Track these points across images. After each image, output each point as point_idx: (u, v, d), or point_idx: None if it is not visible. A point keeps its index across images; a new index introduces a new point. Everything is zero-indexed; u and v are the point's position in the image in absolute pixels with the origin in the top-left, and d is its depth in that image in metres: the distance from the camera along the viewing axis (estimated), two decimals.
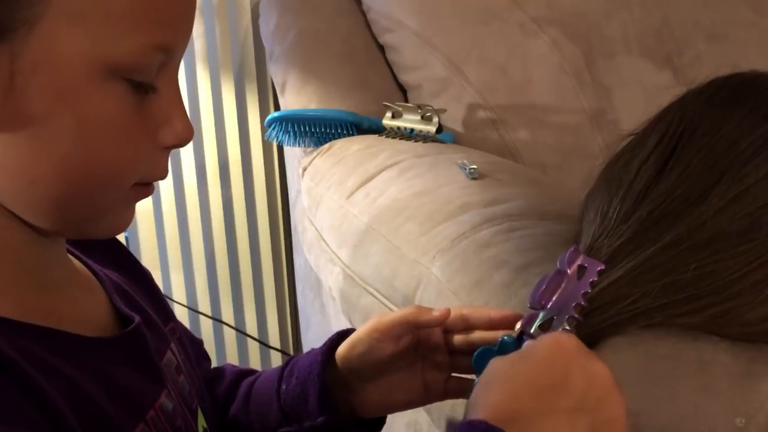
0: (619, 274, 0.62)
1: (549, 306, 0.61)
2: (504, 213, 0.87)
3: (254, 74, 1.64)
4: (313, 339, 1.53)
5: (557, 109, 1.35)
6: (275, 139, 1.34)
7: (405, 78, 1.39)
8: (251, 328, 1.76)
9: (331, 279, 1.09)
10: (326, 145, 1.27)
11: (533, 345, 0.55)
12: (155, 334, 0.64)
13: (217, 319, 1.71)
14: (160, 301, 0.70)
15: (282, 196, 1.73)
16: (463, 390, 0.69)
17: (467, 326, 0.67)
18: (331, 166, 1.20)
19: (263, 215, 1.73)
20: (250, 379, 0.78)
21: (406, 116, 1.28)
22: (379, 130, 1.29)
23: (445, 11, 1.37)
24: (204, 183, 1.66)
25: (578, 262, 0.62)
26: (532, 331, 0.60)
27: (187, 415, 0.63)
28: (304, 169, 1.27)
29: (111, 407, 0.53)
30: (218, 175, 1.66)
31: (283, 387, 0.72)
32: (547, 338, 0.55)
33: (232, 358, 1.75)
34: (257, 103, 1.66)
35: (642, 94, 1.38)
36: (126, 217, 0.57)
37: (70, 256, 0.61)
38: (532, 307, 0.61)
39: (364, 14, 1.43)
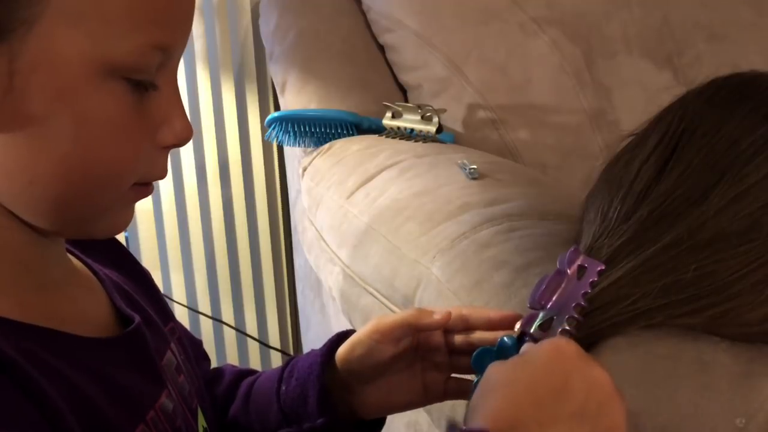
0: (620, 274, 0.62)
1: (549, 306, 0.61)
2: (504, 213, 0.87)
3: (254, 74, 1.64)
4: (313, 339, 1.53)
5: (557, 109, 1.35)
6: (275, 139, 1.34)
7: (405, 78, 1.39)
8: (251, 328, 1.76)
9: (331, 279, 1.09)
10: (326, 145, 1.27)
11: (533, 351, 0.55)
12: (155, 334, 0.64)
13: (217, 319, 1.71)
14: (159, 302, 0.70)
15: (282, 196, 1.73)
16: (463, 390, 0.69)
17: (467, 327, 0.67)
18: (331, 166, 1.20)
19: (263, 215, 1.73)
20: (249, 379, 0.78)
21: (406, 116, 1.28)
22: (379, 130, 1.29)
23: (445, 11, 1.37)
24: (204, 183, 1.66)
25: (578, 262, 0.62)
26: (532, 331, 0.60)
27: (188, 415, 0.63)
28: (304, 169, 1.27)
29: (111, 408, 0.53)
30: (218, 175, 1.66)
31: (283, 388, 0.72)
32: (546, 344, 0.55)
33: (232, 358, 1.75)
34: (257, 103, 1.66)
35: (642, 94, 1.38)
36: (125, 217, 0.57)
37: (70, 256, 0.61)
38: (531, 307, 0.61)
39: (364, 14, 1.43)
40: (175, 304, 1.65)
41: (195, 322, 1.70)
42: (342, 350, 0.70)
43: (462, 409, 0.73)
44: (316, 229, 1.17)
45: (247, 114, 1.66)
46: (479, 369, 0.60)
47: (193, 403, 0.65)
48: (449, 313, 0.66)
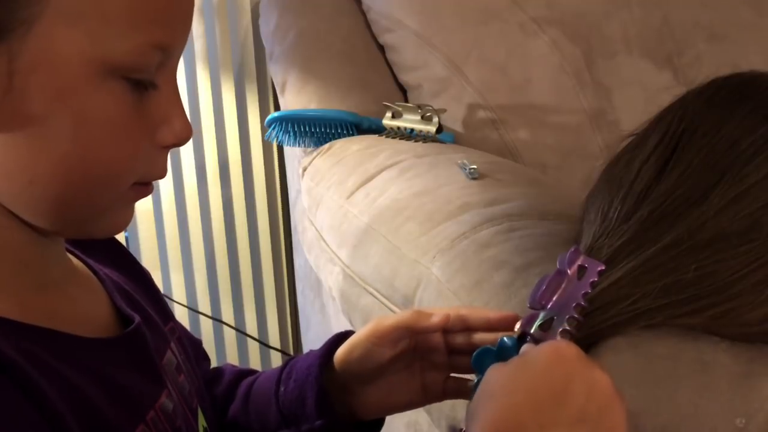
0: (620, 274, 0.62)
1: (549, 306, 0.61)
2: (504, 213, 0.87)
3: (254, 74, 1.64)
4: (313, 339, 1.53)
5: (557, 109, 1.35)
6: (275, 139, 1.34)
7: (405, 78, 1.39)
8: (251, 328, 1.76)
9: (331, 279, 1.09)
10: (326, 145, 1.27)
11: (533, 353, 0.55)
12: (155, 334, 0.64)
13: (217, 319, 1.71)
14: (159, 301, 0.70)
15: (282, 196, 1.73)
16: (462, 390, 0.68)
17: (466, 327, 0.67)
18: (331, 166, 1.20)
19: (263, 215, 1.73)
20: (249, 379, 0.78)
21: (406, 116, 1.28)
22: (379, 130, 1.29)
23: (445, 11, 1.37)
24: (204, 183, 1.66)
25: (579, 262, 0.62)
26: (532, 331, 0.60)
27: (188, 415, 0.63)
28: (304, 169, 1.27)
29: (111, 408, 0.53)
30: (218, 175, 1.66)
31: (282, 389, 0.72)
32: (546, 347, 0.55)
33: (232, 358, 1.75)
34: (257, 103, 1.66)
35: (642, 94, 1.38)
36: (125, 217, 0.57)
37: (71, 256, 0.61)
38: (531, 307, 0.61)
39: (364, 14, 1.43)
40: (175, 304, 1.65)
41: (195, 322, 1.70)
42: (340, 352, 0.70)
43: (462, 409, 0.73)
44: (316, 229, 1.17)
45: (247, 114, 1.66)
46: (480, 369, 0.60)
47: (193, 403, 0.65)
48: (447, 316, 0.66)
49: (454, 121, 1.32)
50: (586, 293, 0.61)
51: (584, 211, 0.70)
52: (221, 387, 0.78)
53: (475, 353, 0.61)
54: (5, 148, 0.50)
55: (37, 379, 0.48)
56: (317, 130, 1.30)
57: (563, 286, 0.61)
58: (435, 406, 0.81)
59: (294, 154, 1.44)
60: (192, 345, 0.75)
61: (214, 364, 0.83)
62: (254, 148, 1.68)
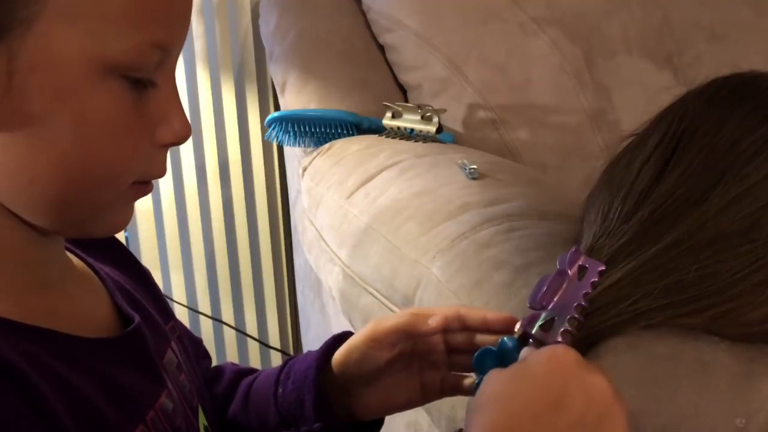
0: (620, 274, 0.62)
1: (550, 306, 0.61)
2: (504, 213, 0.87)
3: (254, 74, 1.64)
4: (313, 339, 1.53)
5: (557, 109, 1.35)
6: (275, 139, 1.34)
7: (405, 78, 1.39)
8: (251, 328, 1.76)
9: (331, 279, 1.09)
10: (326, 145, 1.27)
11: (531, 360, 0.54)
12: (156, 333, 0.64)
13: (217, 319, 1.71)
14: (160, 300, 0.70)
15: (282, 196, 1.73)
16: (460, 387, 0.68)
17: (464, 327, 0.67)
18: (331, 166, 1.20)
19: (263, 215, 1.73)
20: (249, 378, 0.78)
21: (406, 116, 1.28)
22: (379, 130, 1.29)
23: (445, 11, 1.37)
24: (204, 183, 1.66)
25: (579, 262, 0.62)
26: (533, 331, 0.60)
27: (189, 414, 0.63)
28: (304, 169, 1.27)
29: (110, 409, 0.53)
30: (218, 175, 1.66)
31: (280, 390, 0.72)
32: (544, 353, 0.54)
33: (232, 358, 1.75)
34: (257, 103, 1.66)
35: (642, 94, 1.38)
36: (125, 216, 0.57)
37: (71, 255, 0.61)
38: (532, 308, 0.61)
39: (364, 14, 1.43)
40: (175, 304, 1.65)
41: (195, 322, 1.70)
42: (338, 355, 0.70)
43: (462, 409, 0.73)
44: (316, 229, 1.17)
45: (247, 114, 1.66)
46: (480, 370, 0.60)
47: (193, 402, 0.65)
48: (445, 318, 0.66)
49: (454, 121, 1.32)
50: (586, 293, 0.61)
51: (584, 211, 0.70)
52: (221, 386, 0.78)
53: (476, 354, 0.61)
54: (5, 147, 0.50)
55: (36, 381, 0.48)
56: (317, 130, 1.30)
57: (564, 286, 0.61)
58: (435, 406, 0.81)
59: (294, 154, 1.44)
60: (192, 343, 0.75)
61: (214, 363, 0.83)
62: (254, 148, 1.68)
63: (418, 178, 1.04)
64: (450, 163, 1.07)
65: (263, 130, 1.48)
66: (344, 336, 0.71)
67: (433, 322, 0.66)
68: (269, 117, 1.34)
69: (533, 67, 1.36)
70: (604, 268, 0.62)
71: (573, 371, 0.52)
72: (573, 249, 0.63)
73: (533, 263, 0.76)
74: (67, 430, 0.49)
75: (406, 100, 1.38)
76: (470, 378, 0.67)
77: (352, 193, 1.09)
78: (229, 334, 1.74)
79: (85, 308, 0.58)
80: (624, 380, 0.59)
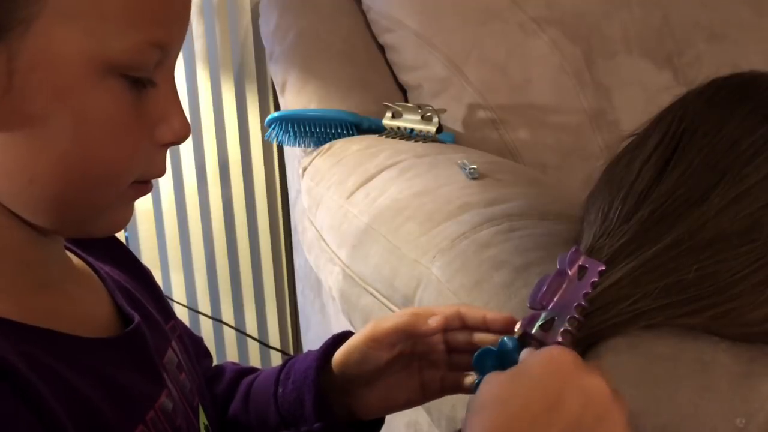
0: (620, 274, 0.62)
1: (550, 306, 0.61)
2: (504, 213, 0.87)
3: (254, 74, 1.64)
4: (313, 339, 1.53)
5: (557, 109, 1.35)
6: (275, 139, 1.34)
7: (405, 78, 1.39)
8: (251, 328, 1.76)
9: (331, 279, 1.09)
10: (326, 145, 1.27)
11: (529, 362, 0.54)
12: (156, 332, 0.64)
13: (217, 319, 1.71)
14: (160, 300, 0.70)
15: (282, 196, 1.73)
16: (460, 386, 0.68)
17: (464, 325, 0.67)
18: (331, 166, 1.20)
19: (263, 215, 1.73)
20: (249, 378, 0.78)
21: (406, 116, 1.28)
22: (379, 130, 1.29)
23: (445, 11, 1.37)
24: (204, 183, 1.66)
25: (579, 262, 0.62)
26: (533, 331, 0.60)
27: (189, 413, 0.63)
28: (304, 169, 1.27)
29: (110, 410, 0.53)
30: (218, 175, 1.66)
31: (280, 390, 0.72)
32: (541, 355, 0.54)
33: (232, 358, 1.75)
34: (257, 103, 1.66)
35: (642, 94, 1.38)
36: (125, 215, 0.57)
37: (71, 255, 0.62)
38: (532, 308, 0.61)
39: (364, 14, 1.43)
40: (175, 304, 1.65)
41: (195, 322, 1.70)
42: (338, 355, 0.70)
43: (462, 409, 0.73)
44: (316, 229, 1.17)
45: (247, 114, 1.66)
46: (480, 370, 0.60)
47: (194, 401, 0.66)
48: (445, 318, 0.66)
49: (454, 121, 1.32)
50: (586, 293, 0.61)
51: (585, 211, 0.70)
52: (222, 385, 0.78)
53: (476, 354, 0.61)
54: (5, 147, 0.50)
55: (35, 382, 0.48)
56: (317, 130, 1.30)
57: (564, 286, 0.61)
58: (435, 406, 0.81)
59: (294, 154, 1.44)
60: (193, 343, 0.75)
61: (214, 363, 0.83)
62: (254, 148, 1.68)
63: (418, 178, 1.04)
64: (450, 163, 1.07)
65: (263, 130, 1.48)
66: (344, 336, 0.71)
67: (433, 323, 0.66)
68: (269, 117, 1.34)
69: (533, 67, 1.36)
70: (604, 268, 0.62)
71: (570, 373, 0.52)
72: (573, 249, 0.63)
73: (533, 263, 0.76)
74: (66, 431, 0.49)
75: (406, 100, 1.38)
76: (471, 376, 0.67)
77: (352, 193, 1.09)
78: (229, 334, 1.74)
79: (85, 308, 0.58)
80: (624, 380, 0.59)
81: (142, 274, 0.70)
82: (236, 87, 1.63)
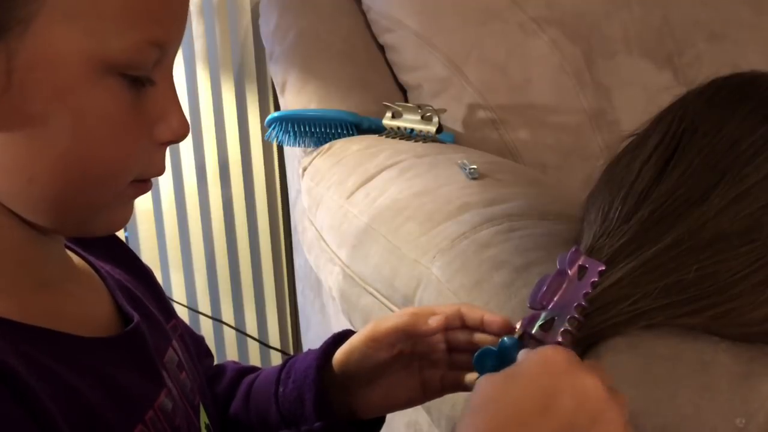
0: (620, 274, 0.62)
1: (550, 306, 0.61)
2: (504, 213, 0.87)
3: (254, 74, 1.64)
4: (313, 339, 1.53)
5: (557, 109, 1.35)
6: (275, 139, 1.34)
7: (405, 78, 1.39)
8: (251, 328, 1.76)
9: (331, 279, 1.09)
10: (326, 145, 1.27)
11: (523, 363, 0.54)
12: (157, 332, 0.64)
13: (217, 319, 1.71)
14: (161, 299, 0.70)
15: (282, 196, 1.73)
16: (460, 384, 0.68)
17: (464, 326, 0.67)
18: (331, 166, 1.20)
19: (263, 215, 1.73)
20: (250, 377, 0.78)
21: (406, 116, 1.28)
22: (379, 130, 1.29)
23: (445, 11, 1.37)
24: (204, 183, 1.66)
25: (579, 262, 0.62)
26: (533, 331, 0.60)
27: (189, 413, 0.63)
28: (304, 169, 1.27)
29: (109, 410, 0.53)
30: (218, 175, 1.66)
31: (281, 390, 0.72)
32: (535, 356, 0.54)
33: (232, 358, 1.75)
34: (257, 103, 1.66)
35: (642, 94, 1.38)
36: (125, 214, 0.57)
37: (72, 254, 0.62)
38: (532, 308, 0.61)
39: (364, 14, 1.43)
40: (175, 304, 1.64)
41: (195, 322, 1.70)
42: (338, 355, 0.70)
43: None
44: (316, 229, 1.17)
45: (247, 114, 1.66)
46: (480, 369, 0.60)
47: (195, 400, 0.66)
48: (446, 318, 0.66)
49: (454, 121, 1.32)
50: (586, 293, 0.61)
51: (585, 211, 0.70)
52: (222, 385, 0.78)
53: (476, 354, 0.61)
54: (4, 146, 0.50)
55: (32, 383, 0.48)
56: (317, 130, 1.30)
57: (564, 286, 0.61)
58: (435, 406, 0.81)
59: (294, 154, 1.44)
60: (194, 342, 0.75)
61: (214, 363, 0.83)
62: (254, 148, 1.68)
63: (418, 178, 1.04)
64: (450, 163, 1.07)
65: (263, 130, 1.48)
66: (344, 335, 0.71)
67: (433, 323, 0.66)
68: (269, 117, 1.34)
69: (533, 67, 1.36)
70: (604, 268, 0.62)
71: (563, 374, 0.51)
72: (573, 249, 0.63)
73: (533, 263, 0.76)
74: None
75: (406, 100, 1.38)
76: (472, 375, 0.67)
77: (352, 193, 1.09)
78: (229, 334, 1.74)
79: (85, 307, 0.58)
80: (624, 380, 0.59)
81: (143, 273, 0.70)
82: (236, 87, 1.63)
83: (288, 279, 1.78)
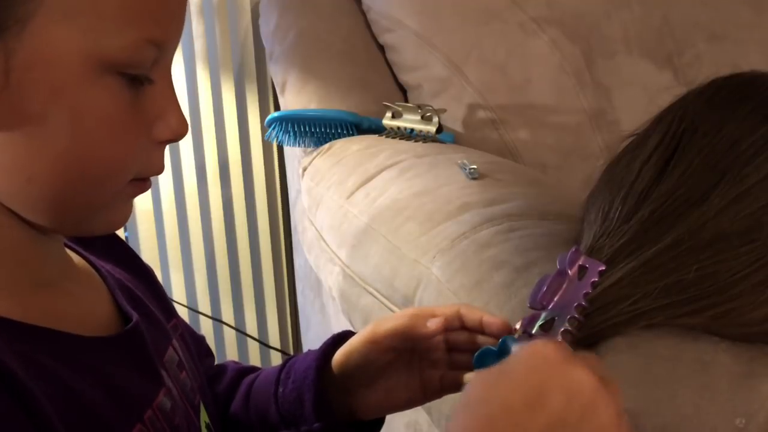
0: (620, 274, 0.62)
1: (550, 306, 0.61)
2: (504, 213, 0.87)
3: (254, 74, 1.64)
4: (313, 339, 1.53)
5: (557, 109, 1.35)
6: (275, 139, 1.34)
7: (405, 78, 1.39)
8: (251, 328, 1.76)
9: (331, 279, 1.09)
10: (326, 145, 1.27)
11: (512, 359, 0.53)
12: (157, 331, 0.64)
13: (217, 319, 1.71)
14: (162, 298, 0.70)
15: (282, 196, 1.73)
16: (460, 385, 0.68)
17: (462, 326, 0.67)
18: (331, 166, 1.20)
19: (263, 215, 1.73)
20: (250, 377, 0.78)
21: (406, 116, 1.28)
22: (379, 130, 1.29)
23: (445, 11, 1.37)
24: (204, 183, 1.66)
25: (579, 262, 0.62)
26: (533, 331, 0.60)
27: (189, 412, 0.63)
28: (304, 169, 1.27)
29: (108, 409, 0.53)
30: (218, 175, 1.66)
31: (280, 390, 0.72)
32: (524, 351, 0.53)
33: (232, 358, 1.75)
34: (257, 103, 1.66)
35: (642, 94, 1.38)
36: (124, 213, 0.57)
37: (72, 253, 0.61)
38: (532, 308, 0.61)
39: (364, 14, 1.43)
40: (175, 304, 1.64)
41: (195, 322, 1.70)
42: (338, 356, 0.70)
43: None
44: (316, 229, 1.17)
45: (247, 114, 1.66)
46: (481, 369, 0.60)
47: (195, 400, 0.65)
48: (445, 320, 0.66)
49: (454, 121, 1.32)
50: (586, 293, 0.61)
51: (585, 211, 0.70)
52: (222, 384, 0.78)
53: (476, 354, 0.61)
54: (3, 146, 0.50)
55: (28, 383, 0.47)
56: (317, 130, 1.30)
57: (564, 286, 0.61)
58: (435, 406, 0.81)
59: (294, 154, 1.44)
60: (195, 341, 0.75)
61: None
62: (254, 148, 1.68)
63: (418, 178, 1.04)
64: (450, 163, 1.07)
65: (263, 130, 1.48)
66: (344, 335, 0.71)
67: (433, 325, 0.66)
68: (269, 117, 1.34)
69: (533, 67, 1.36)
70: (604, 268, 0.62)
71: (553, 368, 0.51)
72: (573, 249, 0.63)
73: (533, 263, 0.76)
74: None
75: (406, 100, 1.38)
76: (471, 375, 0.67)
77: (352, 193, 1.09)
78: (229, 334, 1.74)
79: (85, 306, 0.58)
80: (624, 380, 0.59)
81: (144, 272, 0.70)
82: (236, 87, 1.63)
83: (288, 279, 1.78)
